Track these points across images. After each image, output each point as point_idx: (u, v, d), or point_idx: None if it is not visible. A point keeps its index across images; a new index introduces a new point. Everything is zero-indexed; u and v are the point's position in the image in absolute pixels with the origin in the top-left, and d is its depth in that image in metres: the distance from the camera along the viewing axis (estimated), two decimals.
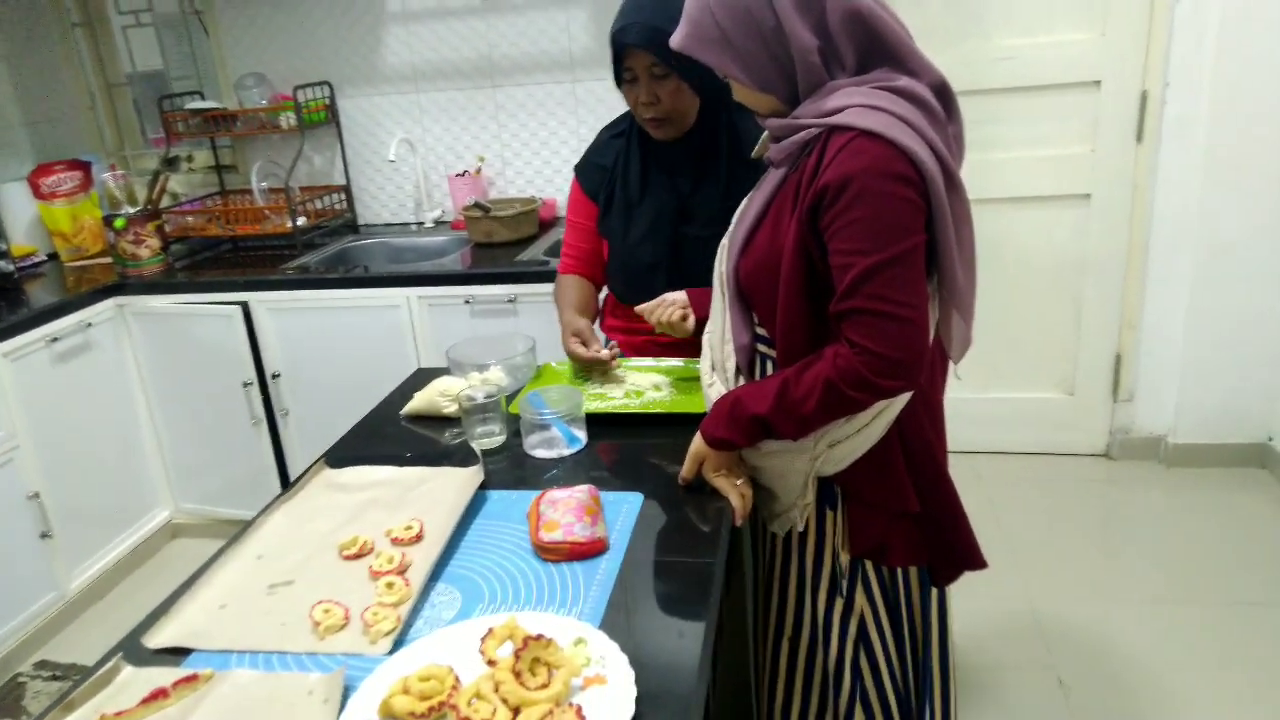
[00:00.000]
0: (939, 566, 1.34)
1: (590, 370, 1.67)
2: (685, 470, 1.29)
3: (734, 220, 1.33)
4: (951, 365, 1.28)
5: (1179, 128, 2.67)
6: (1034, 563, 2.53)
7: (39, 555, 2.46)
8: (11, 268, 2.68)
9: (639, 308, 1.61)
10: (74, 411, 2.58)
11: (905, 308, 1.07)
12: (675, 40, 1.19)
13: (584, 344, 1.65)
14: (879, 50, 1.13)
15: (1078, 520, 2.75)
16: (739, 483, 1.27)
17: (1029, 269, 2.93)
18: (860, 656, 1.34)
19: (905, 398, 1.20)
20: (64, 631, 2.56)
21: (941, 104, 1.15)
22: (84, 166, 3.03)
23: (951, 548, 1.32)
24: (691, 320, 1.55)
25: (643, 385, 1.63)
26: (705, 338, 1.40)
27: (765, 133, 1.28)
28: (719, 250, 1.36)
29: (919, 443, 1.26)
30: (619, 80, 1.62)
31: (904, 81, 1.12)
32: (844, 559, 1.30)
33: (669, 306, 1.57)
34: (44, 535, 2.45)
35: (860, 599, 1.32)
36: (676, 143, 1.68)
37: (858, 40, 1.12)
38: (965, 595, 2.37)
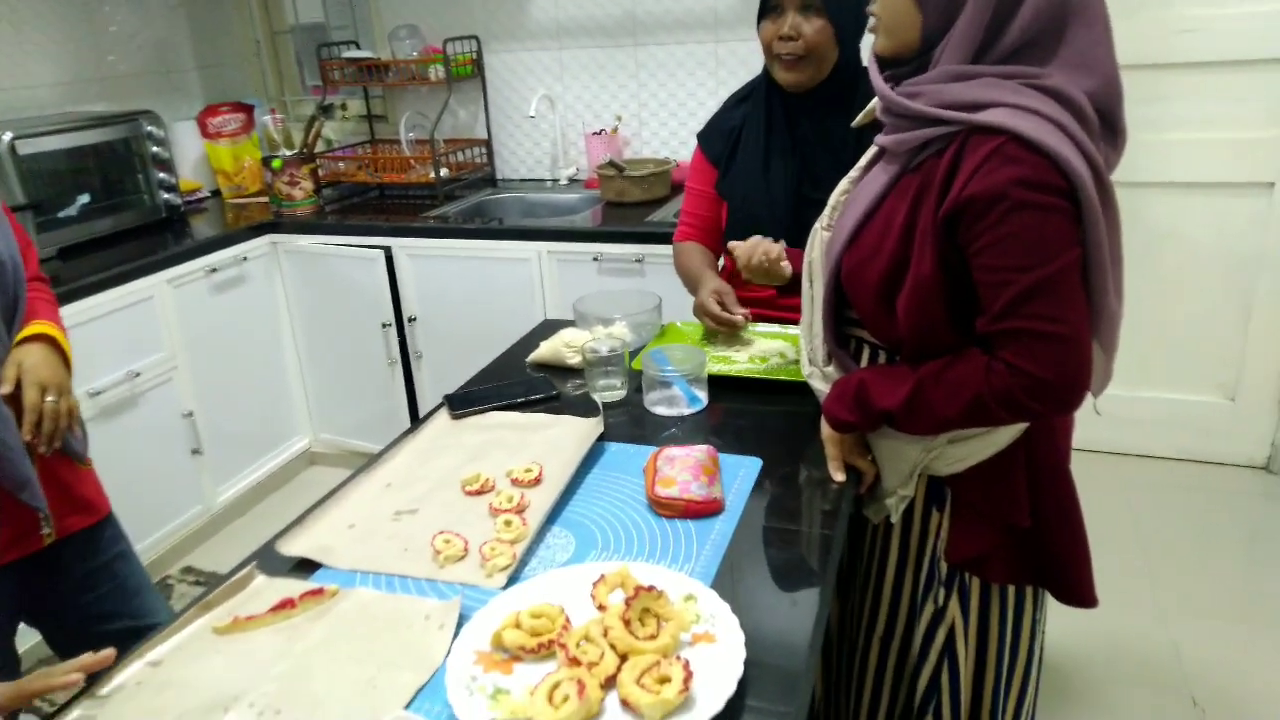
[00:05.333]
0: (1048, 591, 1.25)
1: (717, 334, 1.65)
2: (833, 466, 1.22)
3: (833, 205, 1.24)
4: (1091, 399, 1.14)
5: None
6: (1175, 576, 2.36)
7: (190, 470, 2.65)
8: (179, 201, 2.86)
9: (732, 244, 1.53)
10: (227, 339, 2.75)
11: (1064, 325, 0.99)
12: None
13: (723, 306, 1.61)
14: (1054, 37, 1.00)
15: (1228, 535, 2.55)
16: (869, 458, 1.25)
17: (1196, 261, 2.71)
18: (943, 669, 1.27)
19: None
20: (208, 542, 2.76)
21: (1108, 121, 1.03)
22: (247, 109, 3.20)
23: (1062, 577, 1.22)
24: (789, 267, 1.47)
25: (768, 351, 1.60)
26: (800, 329, 1.33)
27: (872, 102, 1.17)
28: (811, 236, 1.27)
29: (1047, 457, 1.18)
30: (763, 13, 1.58)
31: (1054, 80, 1.00)
32: (943, 566, 1.23)
33: (765, 250, 1.47)
34: (194, 452, 2.64)
35: (954, 609, 1.25)
36: (805, 105, 1.63)
37: (1041, 12, 1.00)
38: (1096, 608, 2.26)
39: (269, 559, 1.11)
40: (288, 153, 2.96)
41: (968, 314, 1.07)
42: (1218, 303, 2.73)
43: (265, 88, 3.51)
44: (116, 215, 2.66)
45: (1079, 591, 1.21)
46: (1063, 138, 0.97)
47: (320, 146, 3.19)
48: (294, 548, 1.11)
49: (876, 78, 1.11)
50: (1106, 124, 1.04)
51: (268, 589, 1.04)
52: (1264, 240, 2.63)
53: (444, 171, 3.01)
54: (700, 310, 1.66)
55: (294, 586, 1.04)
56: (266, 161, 2.93)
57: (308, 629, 0.97)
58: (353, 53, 3.14)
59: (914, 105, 1.05)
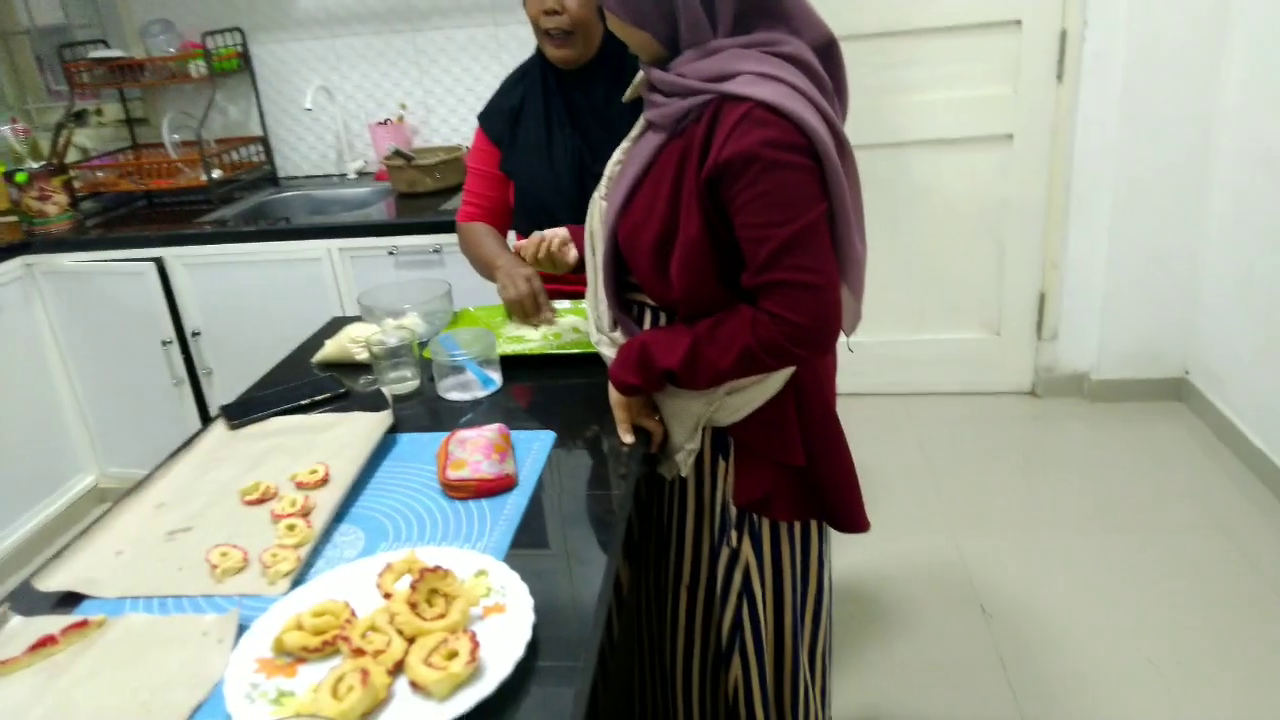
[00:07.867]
0: (827, 522, 1.35)
1: (520, 313, 1.63)
2: (623, 430, 1.26)
3: (609, 175, 1.28)
4: (844, 338, 1.23)
5: (1097, 66, 2.70)
6: (961, 499, 2.60)
7: None
8: None
9: (517, 243, 1.56)
10: None
11: (818, 275, 1.08)
12: None
13: (536, 302, 1.59)
14: (761, 3, 1.09)
15: (1004, 457, 2.83)
16: (656, 418, 1.29)
17: (952, 211, 2.97)
18: (743, 608, 1.34)
19: None
20: None
21: (828, 62, 1.13)
22: None
23: (836, 507, 1.32)
24: (574, 254, 1.50)
25: (561, 327, 1.62)
26: (587, 299, 1.36)
27: (638, 76, 1.23)
28: (590, 206, 1.31)
29: (814, 399, 1.27)
30: None
31: (791, 46, 1.09)
32: (733, 510, 1.30)
33: (548, 240, 1.50)
34: None
35: (747, 550, 1.32)
36: (579, 81, 1.66)
37: None
38: (893, 532, 2.45)
39: (26, 598, 1.02)
40: (34, 165, 2.69)
41: (735, 272, 1.13)
42: (975, 247, 3.00)
43: (2, 96, 3.16)
44: None
45: (851, 519, 1.32)
46: (801, 100, 1.05)
47: (75, 156, 2.92)
48: (53, 582, 1.03)
49: (644, 65, 1.18)
50: (835, 76, 1.14)
51: (25, 630, 0.96)
52: (1007, 187, 2.91)
53: (217, 173, 2.83)
54: (513, 295, 1.61)
55: (55, 622, 0.96)
56: (9, 176, 2.65)
57: (71, 664, 0.90)
58: (101, 52, 2.89)
59: (674, 78, 1.11)
